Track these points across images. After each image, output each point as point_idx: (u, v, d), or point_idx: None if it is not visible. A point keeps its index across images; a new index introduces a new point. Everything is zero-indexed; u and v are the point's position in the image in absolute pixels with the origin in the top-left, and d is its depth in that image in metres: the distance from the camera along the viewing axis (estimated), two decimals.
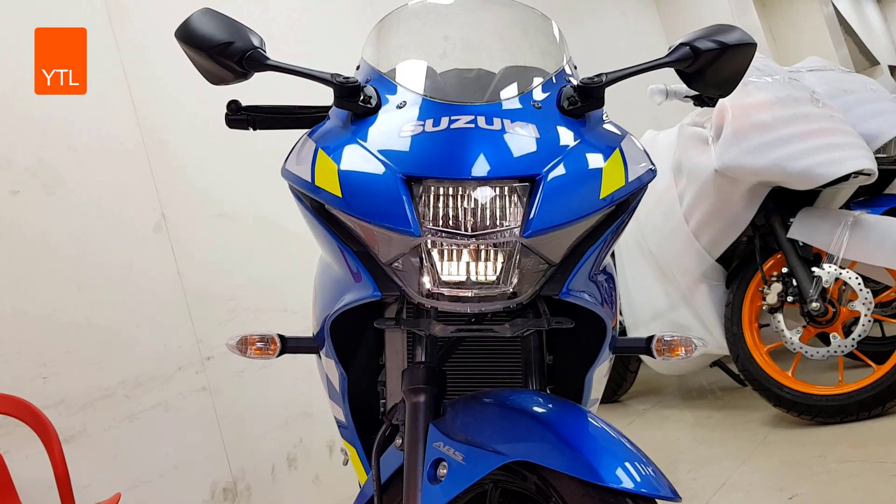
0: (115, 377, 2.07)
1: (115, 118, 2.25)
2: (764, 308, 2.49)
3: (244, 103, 1.14)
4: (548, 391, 1.12)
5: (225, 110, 1.13)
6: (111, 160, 2.21)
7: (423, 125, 0.91)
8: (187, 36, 1.00)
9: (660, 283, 2.84)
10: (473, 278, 0.88)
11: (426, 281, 0.88)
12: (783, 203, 2.52)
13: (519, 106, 0.96)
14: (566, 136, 0.94)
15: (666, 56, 1.01)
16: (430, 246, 0.87)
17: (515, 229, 0.86)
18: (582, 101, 0.98)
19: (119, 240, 2.17)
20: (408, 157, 0.89)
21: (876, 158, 2.39)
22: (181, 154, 2.39)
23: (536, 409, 0.89)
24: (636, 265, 2.93)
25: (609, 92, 0.99)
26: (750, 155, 2.35)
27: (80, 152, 2.14)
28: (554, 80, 1.02)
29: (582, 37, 4.54)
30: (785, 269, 2.46)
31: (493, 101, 0.97)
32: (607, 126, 1.03)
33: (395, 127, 0.93)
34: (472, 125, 0.89)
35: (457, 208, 0.86)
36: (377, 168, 0.89)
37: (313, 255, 1.22)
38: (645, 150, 1.03)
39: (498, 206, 0.86)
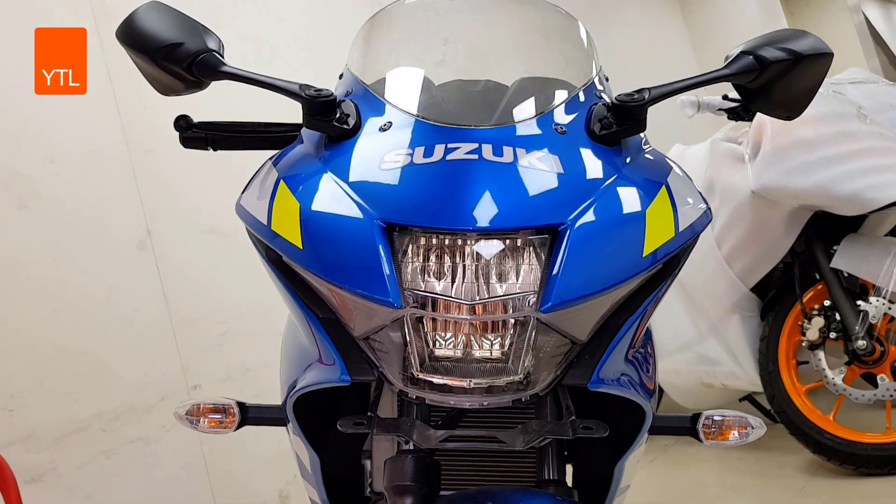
0: (91, 409, 1.93)
1: (98, 125, 2.10)
2: (803, 344, 2.28)
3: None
4: (569, 474, 0.91)
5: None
6: (92, 171, 2.06)
7: (412, 155, 0.70)
8: (128, 36, 0.80)
9: (687, 312, 2.64)
10: (476, 353, 0.67)
11: (410, 364, 0.67)
12: (826, 229, 2.30)
13: (537, 130, 0.76)
14: (598, 171, 0.73)
15: (724, 67, 0.80)
16: (415, 319, 0.67)
17: (531, 298, 0.65)
18: (618, 125, 0.77)
19: (99, 258, 2.02)
20: (389, 198, 0.68)
21: None
22: (169, 165, 2.22)
23: None
24: None
25: None
26: (791, 176, 2.15)
27: (59, 163, 1.99)
28: (582, 97, 0.82)
29: (602, 44, 4.33)
30: (827, 302, 2.25)
31: (503, 123, 0.77)
32: (648, 156, 0.82)
33: (376, 156, 0.72)
34: (475, 156, 0.69)
35: (453, 268, 0.65)
36: (350, 210, 0.68)
37: None
38: (690, 180, 0.82)
39: (508, 266, 0.65)
